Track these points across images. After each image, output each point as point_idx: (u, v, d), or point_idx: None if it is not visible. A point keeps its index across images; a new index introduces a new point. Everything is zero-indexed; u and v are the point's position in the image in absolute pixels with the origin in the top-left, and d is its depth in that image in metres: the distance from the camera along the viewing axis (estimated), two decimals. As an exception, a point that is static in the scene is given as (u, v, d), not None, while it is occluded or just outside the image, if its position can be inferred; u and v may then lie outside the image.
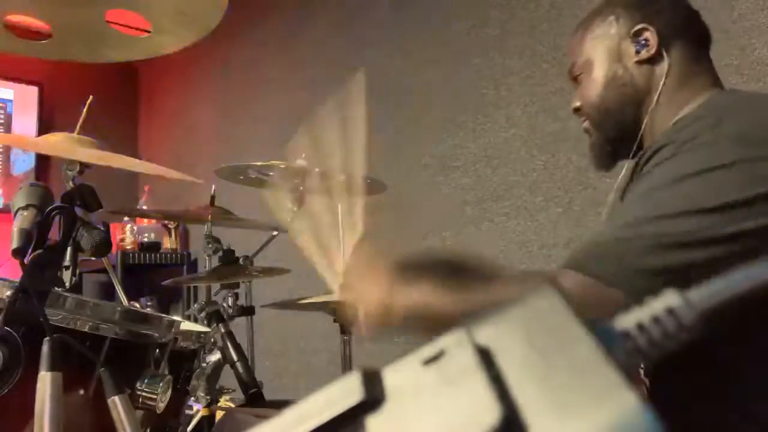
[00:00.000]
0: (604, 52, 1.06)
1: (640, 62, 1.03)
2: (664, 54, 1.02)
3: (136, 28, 1.27)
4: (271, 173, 1.76)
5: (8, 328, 0.79)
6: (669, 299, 0.26)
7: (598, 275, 0.77)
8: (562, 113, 1.86)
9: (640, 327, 0.25)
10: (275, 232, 1.71)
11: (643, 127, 1.04)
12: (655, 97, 1.02)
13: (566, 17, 1.87)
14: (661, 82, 1.02)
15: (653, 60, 1.03)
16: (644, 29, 1.03)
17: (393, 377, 0.25)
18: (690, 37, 1.06)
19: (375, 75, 2.46)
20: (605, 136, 1.08)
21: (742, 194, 0.80)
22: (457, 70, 2.15)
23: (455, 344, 0.25)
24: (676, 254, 0.78)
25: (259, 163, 1.65)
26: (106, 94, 3.75)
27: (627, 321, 0.26)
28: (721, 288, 0.26)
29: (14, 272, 0.82)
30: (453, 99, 2.16)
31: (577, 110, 1.13)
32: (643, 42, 1.03)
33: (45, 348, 0.76)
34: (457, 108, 2.14)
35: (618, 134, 1.07)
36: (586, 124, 1.12)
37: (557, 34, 1.89)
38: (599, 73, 1.06)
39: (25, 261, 0.80)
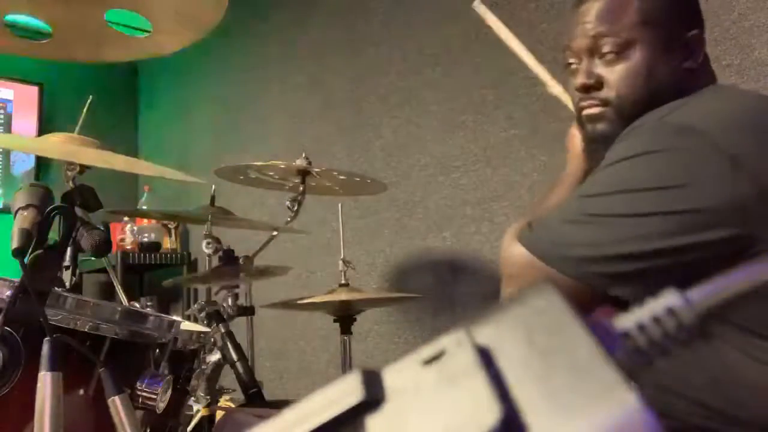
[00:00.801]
0: (657, 45, 0.95)
1: (687, 70, 0.96)
2: (706, 67, 0.99)
3: (136, 28, 1.27)
4: (271, 173, 1.76)
5: (8, 328, 0.79)
6: (669, 299, 0.26)
7: (530, 247, 0.88)
8: (562, 113, 1.86)
9: (640, 327, 0.25)
10: (275, 232, 1.71)
11: None
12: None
13: (566, 17, 1.87)
14: (692, 93, 0.94)
15: (696, 71, 0.97)
16: (698, 37, 0.97)
17: (393, 377, 0.25)
18: (705, 43, 1.02)
19: (375, 75, 2.47)
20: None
21: (671, 179, 0.81)
22: (457, 70, 2.15)
23: (455, 344, 0.25)
24: (588, 230, 0.84)
25: (259, 163, 1.65)
26: (106, 94, 3.75)
27: (627, 321, 0.26)
28: (721, 287, 0.26)
29: (14, 272, 0.82)
30: (453, 99, 2.16)
31: (589, 88, 0.98)
32: (693, 49, 0.96)
33: (45, 348, 0.76)
34: (457, 108, 2.14)
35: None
36: (601, 111, 0.98)
37: (557, 34, 1.89)
38: (647, 66, 0.94)
39: (25, 261, 0.80)
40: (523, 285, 0.71)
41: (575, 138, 1.14)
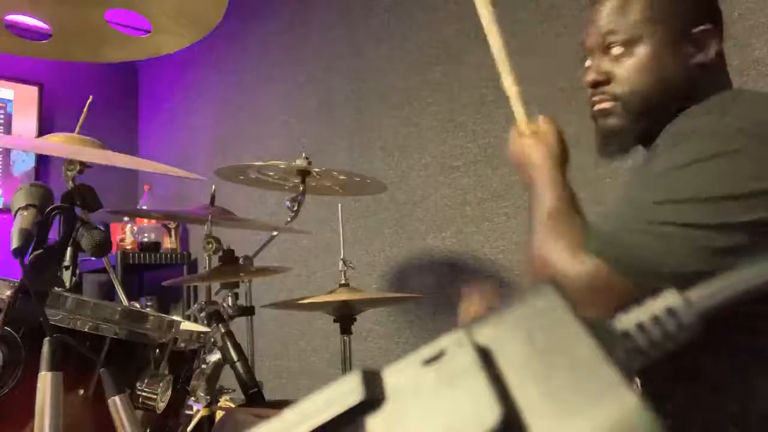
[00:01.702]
0: (665, 40, 0.96)
1: (698, 65, 0.96)
2: (719, 62, 0.97)
3: (136, 28, 1.27)
4: (271, 173, 1.76)
5: (8, 328, 0.79)
6: (669, 299, 0.26)
7: (609, 261, 0.79)
8: (562, 113, 1.86)
9: (640, 327, 0.25)
10: (275, 232, 1.71)
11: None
12: (693, 101, 0.95)
13: (566, 17, 1.87)
14: (707, 89, 0.95)
15: (709, 65, 0.96)
16: (709, 32, 0.96)
17: (393, 377, 0.25)
18: (722, 37, 1.00)
19: (375, 75, 2.47)
20: (639, 128, 1.00)
21: (746, 184, 0.79)
22: (457, 70, 2.15)
23: (455, 344, 0.25)
24: (681, 240, 0.78)
25: (259, 163, 1.65)
26: (106, 94, 3.75)
27: (627, 321, 0.26)
28: (720, 288, 0.26)
29: (14, 272, 0.82)
30: (453, 99, 2.16)
31: (597, 84, 1.01)
32: (703, 44, 0.96)
33: (45, 348, 0.76)
34: (457, 108, 2.14)
35: (650, 130, 0.99)
36: (610, 105, 1.00)
37: (557, 34, 1.89)
38: (654, 60, 0.96)
39: (25, 261, 0.80)
40: (615, 303, 0.68)
41: (518, 148, 1.10)
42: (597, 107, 1.02)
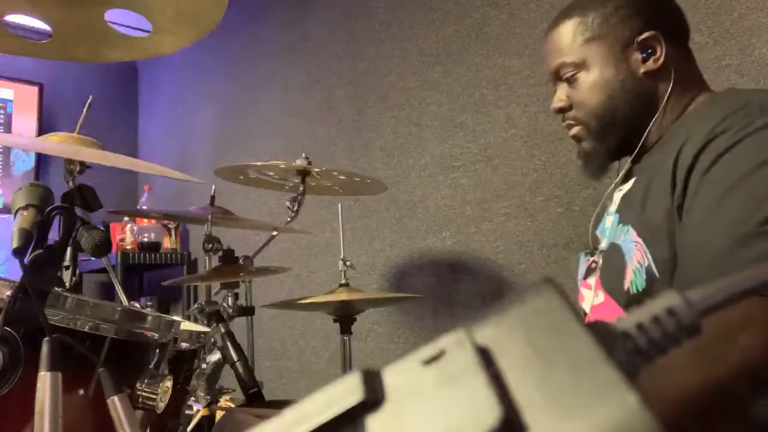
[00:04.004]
0: (608, 56, 0.99)
1: (647, 73, 0.98)
2: (670, 64, 0.98)
3: (136, 28, 1.27)
4: (271, 173, 1.76)
5: (8, 328, 0.79)
6: (669, 299, 0.26)
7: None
8: (562, 113, 1.86)
9: (640, 327, 0.25)
10: (275, 232, 1.71)
11: (645, 135, 1.00)
12: (662, 107, 0.98)
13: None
14: (668, 92, 0.97)
15: (660, 70, 0.98)
16: (653, 38, 0.98)
17: (393, 377, 0.25)
18: (684, 38, 1.03)
19: (375, 75, 2.47)
20: (606, 147, 1.02)
21: None
22: (457, 70, 2.15)
23: (455, 344, 0.25)
24: None
25: (259, 163, 1.65)
26: (106, 94, 3.76)
27: (627, 321, 0.26)
28: (720, 288, 0.26)
29: (14, 272, 0.82)
30: (453, 99, 2.16)
31: (561, 111, 1.05)
32: (650, 51, 0.98)
33: (45, 348, 0.76)
34: (457, 108, 2.14)
35: (620, 144, 1.02)
36: (578, 130, 1.04)
37: (557, 34, 1.89)
38: (602, 78, 0.99)
39: (25, 261, 0.80)
40: None
41: None
42: (569, 134, 1.06)
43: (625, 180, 1.05)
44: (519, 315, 0.25)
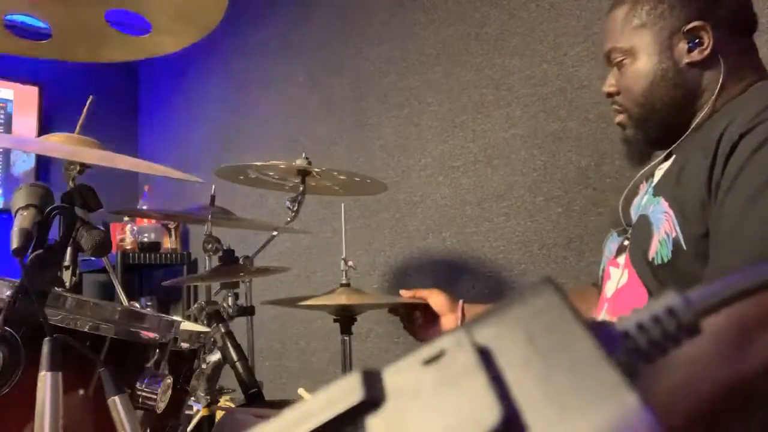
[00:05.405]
0: (653, 45, 0.98)
1: (692, 63, 0.97)
2: (719, 56, 0.96)
3: (136, 28, 1.27)
4: (271, 173, 1.76)
5: (8, 328, 0.78)
6: (669, 299, 0.26)
7: None
8: (562, 113, 1.86)
9: (640, 327, 0.25)
10: (275, 232, 1.70)
11: (692, 125, 0.97)
12: (709, 102, 0.95)
13: (566, 17, 1.87)
14: (716, 88, 0.95)
15: (707, 61, 0.96)
16: (700, 28, 0.96)
17: (393, 377, 0.25)
18: (744, 30, 1.00)
19: (375, 75, 2.47)
20: (647, 136, 1.02)
21: None
22: (457, 70, 2.15)
23: (455, 344, 0.25)
24: None
25: (259, 163, 1.65)
26: (106, 94, 3.75)
27: (627, 321, 0.26)
28: (720, 288, 0.26)
29: (14, 272, 0.82)
30: (453, 99, 2.16)
31: (610, 95, 1.05)
32: (697, 41, 0.96)
33: (45, 348, 0.76)
34: (457, 108, 2.14)
35: (661, 134, 1.01)
36: (622, 117, 1.04)
37: (557, 34, 1.89)
38: (646, 67, 0.99)
39: (25, 261, 0.80)
40: None
41: None
42: (615, 121, 1.07)
43: (666, 159, 1.04)
44: (519, 315, 0.25)
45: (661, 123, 1.00)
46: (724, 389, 0.61)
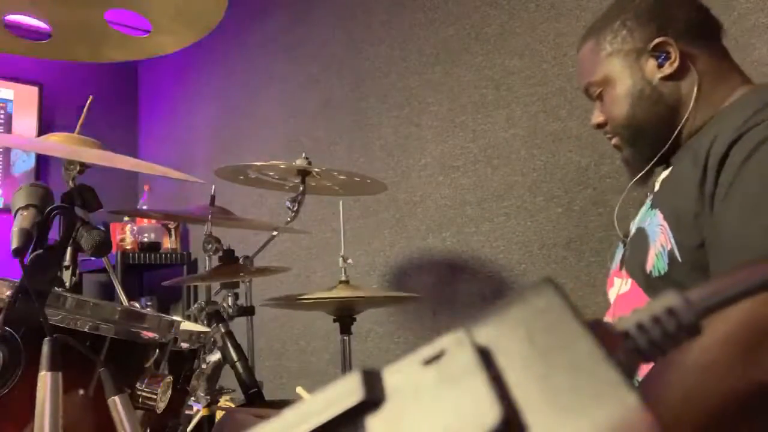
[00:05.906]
0: (624, 69, 1.02)
1: (665, 78, 0.99)
2: (689, 64, 0.98)
3: (136, 28, 1.27)
4: (271, 173, 1.76)
5: (8, 328, 0.78)
6: (669, 299, 0.26)
7: None
8: (562, 113, 1.86)
9: (640, 327, 0.25)
10: (275, 232, 1.71)
11: (675, 135, 1.00)
12: (690, 109, 0.98)
13: (566, 17, 1.87)
14: (693, 95, 0.97)
15: (679, 72, 0.99)
16: (663, 43, 0.99)
17: (393, 377, 0.25)
18: (708, 35, 1.02)
19: (375, 75, 2.47)
20: (641, 155, 1.05)
21: None
22: (457, 70, 2.15)
23: (455, 344, 0.25)
24: None
25: (259, 163, 1.65)
26: (106, 94, 3.75)
27: (627, 321, 0.26)
28: (721, 287, 0.26)
29: (14, 272, 0.82)
30: (453, 99, 2.16)
31: (600, 126, 1.09)
32: (664, 55, 0.99)
33: (45, 348, 0.76)
34: (457, 108, 2.14)
35: (655, 151, 1.03)
36: (616, 140, 1.08)
37: (557, 34, 1.89)
38: (623, 91, 1.02)
39: (25, 261, 0.80)
40: None
41: None
42: (612, 144, 1.11)
43: (665, 169, 1.05)
44: (519, 315, 0.25)
45: (651, 139, 1.03)
46: (736, 396, 0.62)
